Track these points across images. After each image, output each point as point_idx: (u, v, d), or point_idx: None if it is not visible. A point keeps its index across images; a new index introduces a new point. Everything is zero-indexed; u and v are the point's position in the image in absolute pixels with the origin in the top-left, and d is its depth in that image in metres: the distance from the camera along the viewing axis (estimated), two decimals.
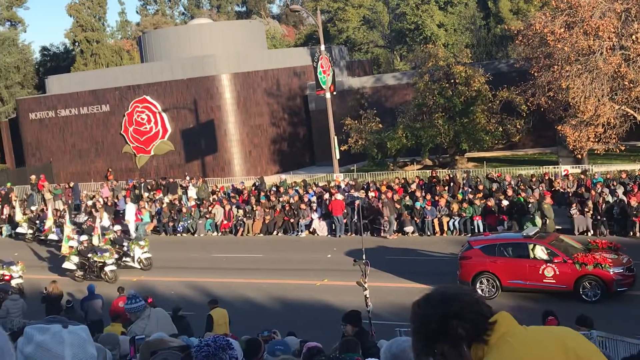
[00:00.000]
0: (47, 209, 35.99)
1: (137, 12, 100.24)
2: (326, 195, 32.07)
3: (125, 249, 27.55)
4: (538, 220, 25.91)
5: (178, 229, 33.51)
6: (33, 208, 36.88)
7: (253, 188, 36.22)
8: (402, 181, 33.63)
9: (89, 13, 72.53)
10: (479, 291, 20.03)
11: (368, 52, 69.99)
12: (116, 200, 37.26)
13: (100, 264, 26.02)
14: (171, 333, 9.34)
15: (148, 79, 46.68)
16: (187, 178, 39.59)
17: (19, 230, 35.06)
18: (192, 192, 37.11)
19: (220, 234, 32.68)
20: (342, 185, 33.33)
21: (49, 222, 33.29)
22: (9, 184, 42.61)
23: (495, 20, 64.42)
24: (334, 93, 38.08)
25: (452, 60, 40.85)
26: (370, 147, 40.00)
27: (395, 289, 21.58)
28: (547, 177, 31.74)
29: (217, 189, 36.91)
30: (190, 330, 15.16)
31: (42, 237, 33.77)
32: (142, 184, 40.20)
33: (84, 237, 27.45)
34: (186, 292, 23.70)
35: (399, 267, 23.69)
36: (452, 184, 31.74)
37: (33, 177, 41.84)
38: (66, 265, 26.82)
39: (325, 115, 37.47)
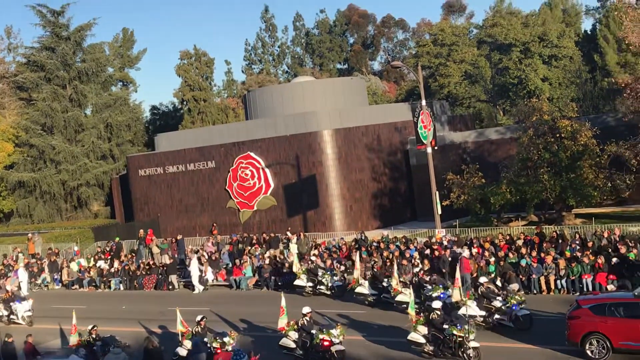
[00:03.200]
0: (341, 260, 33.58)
1: (242, 71, 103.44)
2: (427, 251, 31.63)
3: (498, 304, 22.90)
4: None
5: (279, 283, 33.58)
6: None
7: (353, 243, 36.13)
8: (507, 237, 32.82)
9: (197, 73, 75.31)
10: (589, 353, 19.16)
11: (470, 106, 69.53)
12: (218, 255, 37.84)
13: (460, 339, 19.94)
14: None
15: (252, 136, 47.77)
16: (288, 233, 39.93)
17: (297, 282, 32.03)
18: (293, 247, 37.33)
19: None
20: (444, 242, 32.80)
21: (356, 273, 29.62)
22: (117, 239, 44.07)
23: (602, 74, 63.01)
24: (435, 148, 37.82)
25: (558, 114, 40.07)
26: (472, 203, 39.43)
27: (500, 349, 20.93)
28: None
29: (319, 244, 36.99)
30: None
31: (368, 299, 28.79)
32: (245, 239, 40.80)
33: (437, 304, 21.39)
34: None
35: (504, 326, 22.96)
36: (560, 241, 30.72)
37: (141, 231, 43.11)
38: (413, 336, 20.92)
39: (426, 170, 37.20)
